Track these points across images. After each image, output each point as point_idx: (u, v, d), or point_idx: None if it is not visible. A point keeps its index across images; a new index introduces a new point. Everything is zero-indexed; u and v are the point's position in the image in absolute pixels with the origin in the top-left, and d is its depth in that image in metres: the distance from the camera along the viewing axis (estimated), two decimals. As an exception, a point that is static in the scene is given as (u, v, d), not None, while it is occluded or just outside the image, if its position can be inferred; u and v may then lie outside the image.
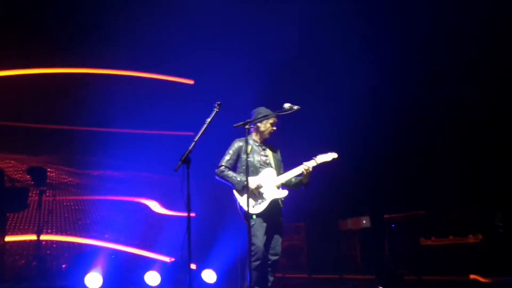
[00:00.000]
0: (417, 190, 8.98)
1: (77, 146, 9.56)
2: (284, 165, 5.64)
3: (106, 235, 9.26)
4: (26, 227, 8.77)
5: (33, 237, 8.23)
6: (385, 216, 8.75)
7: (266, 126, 5.51)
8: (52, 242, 8.94)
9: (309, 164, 5.35)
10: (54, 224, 9.09)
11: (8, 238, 8.00)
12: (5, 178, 7.80)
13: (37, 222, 7.97)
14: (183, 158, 4.63)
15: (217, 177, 5.49)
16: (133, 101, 9.60)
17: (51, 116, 9.47)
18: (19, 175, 8.86)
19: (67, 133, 9.63)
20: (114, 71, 9.99)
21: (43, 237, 8.16)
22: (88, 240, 9.18)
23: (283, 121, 5.53)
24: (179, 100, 9.78)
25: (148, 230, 9.58)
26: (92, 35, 9.34)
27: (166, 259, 8.82)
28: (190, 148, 4.69)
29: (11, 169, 8.94)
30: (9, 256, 8.35)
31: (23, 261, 8.37)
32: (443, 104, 8.94)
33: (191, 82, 10.39)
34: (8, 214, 7.85)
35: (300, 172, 5.37)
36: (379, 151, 9.30)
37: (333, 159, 5.44)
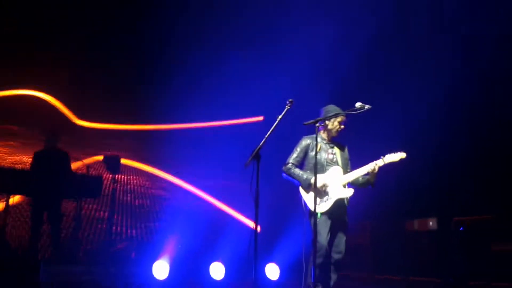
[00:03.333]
0: (489, 192, 8.67)
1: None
2: (352, 163, 5.63)
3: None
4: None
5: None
6: (454, 218, 8.52)
7: (334, 124, 5.51)
8: (123, 229, 9.33)
9: (377, 163, 5.32)
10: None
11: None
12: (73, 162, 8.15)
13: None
14: (253, 154, 4.65)
15: (284, 174, 5.55)
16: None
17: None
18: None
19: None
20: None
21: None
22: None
23: (353, 120, 5.50)
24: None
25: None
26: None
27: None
28: (260, 144, 4.70)
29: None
30: (85, 242, 8.79)
31: (96, 246, 8.76)
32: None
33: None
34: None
35: (367, 171, 5.35)
36: (448, 152, 9.05)
37: (401, 159, 5.38)
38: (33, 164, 7.72)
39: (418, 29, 9.25)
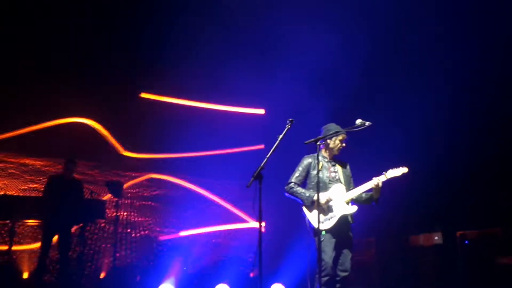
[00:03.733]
0: (492, 206, 8.67)
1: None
2: (355, 180, 5.64)
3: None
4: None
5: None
6: (458, 232, 8.51)
7: (335, 143, 5.54)
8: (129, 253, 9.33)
9: (379, 179, 5.33)
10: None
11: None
12: (85, 190, 8.22)
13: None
14: (255, 175, 4.65)
15: (286, 194, 5.56)
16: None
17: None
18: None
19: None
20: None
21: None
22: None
23: (355, 137, 5.52)
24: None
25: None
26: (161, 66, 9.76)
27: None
28: (262, 164, 4.71)
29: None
30: (90, 265, 8.80)
31: (103, 272, 8.73)
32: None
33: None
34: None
35: (370, 187, 5.35)
36: (452, 166, 9.07)
37: (403, 174, 5.39)
38: (47, 187, 7.77)
39: (416, 43, 9.34)
